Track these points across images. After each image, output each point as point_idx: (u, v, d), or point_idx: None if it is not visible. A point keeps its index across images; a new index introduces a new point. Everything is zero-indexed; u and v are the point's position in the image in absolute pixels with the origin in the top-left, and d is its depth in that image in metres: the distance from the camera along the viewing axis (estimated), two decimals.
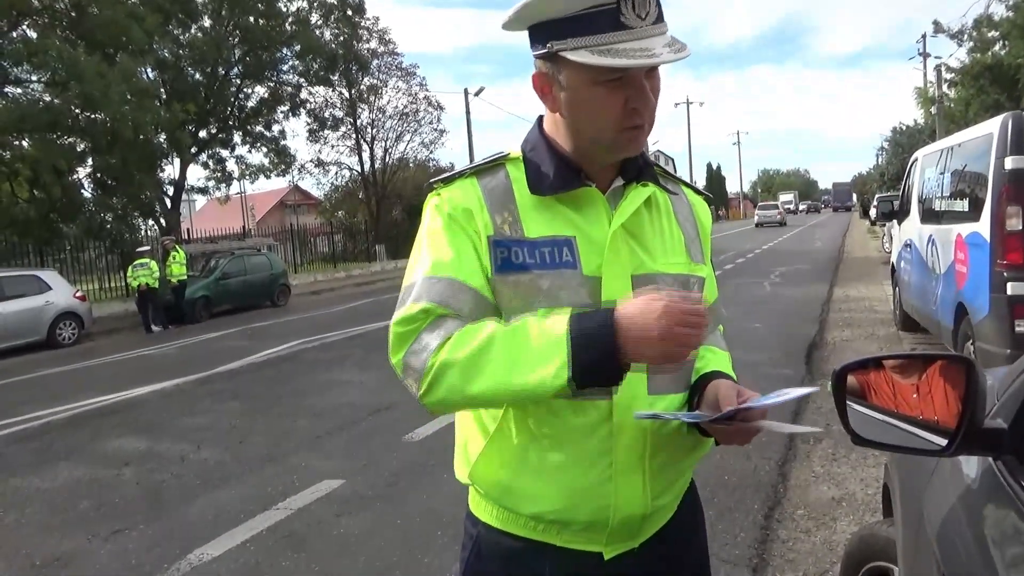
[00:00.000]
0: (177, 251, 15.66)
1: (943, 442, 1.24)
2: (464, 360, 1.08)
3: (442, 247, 1.18)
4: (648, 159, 1.26)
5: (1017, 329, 4.70)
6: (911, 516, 1.71)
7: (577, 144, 1.20)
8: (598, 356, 1.03)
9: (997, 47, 22.16)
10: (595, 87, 1.11)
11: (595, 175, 1.21)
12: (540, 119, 1.27)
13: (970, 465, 1.40)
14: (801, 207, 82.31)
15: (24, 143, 17.68)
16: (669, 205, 1.30)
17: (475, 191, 1.21)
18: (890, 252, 11.01)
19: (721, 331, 1.45)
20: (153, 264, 14.87)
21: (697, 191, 1.41)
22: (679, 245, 1.28)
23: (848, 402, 1.40)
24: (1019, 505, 1.16)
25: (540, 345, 1.06)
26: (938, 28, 24.33)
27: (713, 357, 1.33)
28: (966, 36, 23.24)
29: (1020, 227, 4.75)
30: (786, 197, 77.96)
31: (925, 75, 31.02)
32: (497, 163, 1.25)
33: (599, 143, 1.17)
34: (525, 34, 1.18)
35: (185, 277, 15.45)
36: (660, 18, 1.11)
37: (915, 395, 1.42)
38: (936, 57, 27.56)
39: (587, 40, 1.08)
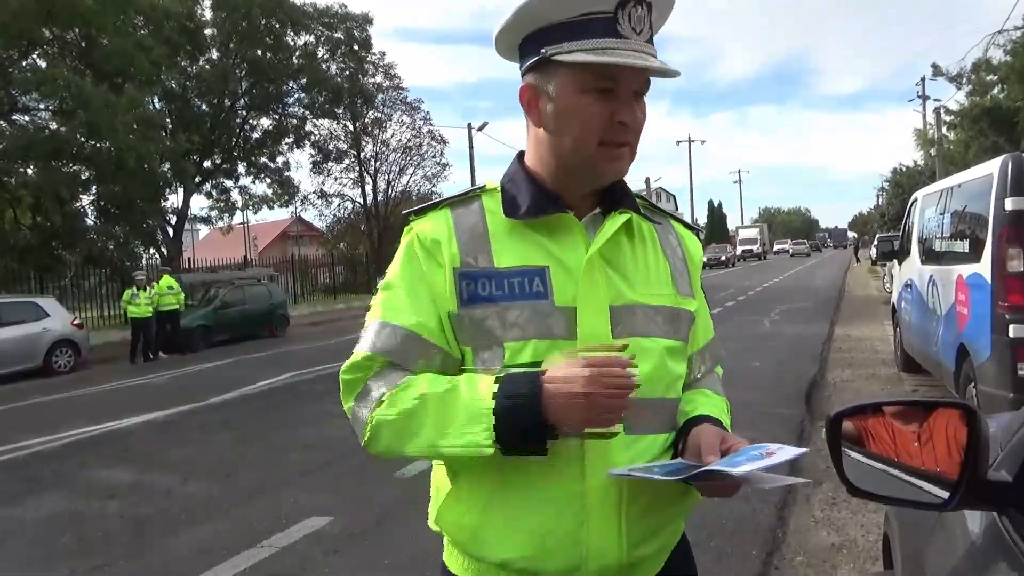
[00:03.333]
0: (168, 280, 15.45)
1: (944, 495, 1.18)
2: (397, 420, 1.10)
3: (399, 291, 1.19)
4: (628, 190, 1.24)
5: (1020, 372, 4.62)
6: (912, 570, 1.63)
7: (557, 166, 1.18)
8: (522, 425, 1.03)
9: (996, 90, 22.39)
10: (584, 95, 1.11)
11: (574, 204, 1.19)
12: (520, 154, 1.26)
13: (974, 519, 1.33)
14: (794, 247, 62.42)
15: (28, 170, 17.80)
16: (655, 234, 1.26)
17: (446, 222, 1.20)
18: (891, 292, 10.96)
19: (719, 373, 1.39)
20: (142, 294, 14.51)
21: (687, 225, 1.36)
22: (664, 276, 1.24)
23: (844, 449, 1.34)
24: None
25: (467, 412, 1.06)
26: (937, 71, 24.61)
27: (705, 401, 1.26)
28: (965, 79, 23.50)
29: (1021, 268, 4.70)
30: (748, 234, 59.00)
31: (924, 117, 31.34)
32: (473, 194, 1.24)
33: (581, 158, 1.14)
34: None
35: (175, 307, 15.17)
36: (651, 40, 1.13)
37: (916, 443, 1.36)
38: (935, 100, 27.82)
39: (582, 43, 1.09)
